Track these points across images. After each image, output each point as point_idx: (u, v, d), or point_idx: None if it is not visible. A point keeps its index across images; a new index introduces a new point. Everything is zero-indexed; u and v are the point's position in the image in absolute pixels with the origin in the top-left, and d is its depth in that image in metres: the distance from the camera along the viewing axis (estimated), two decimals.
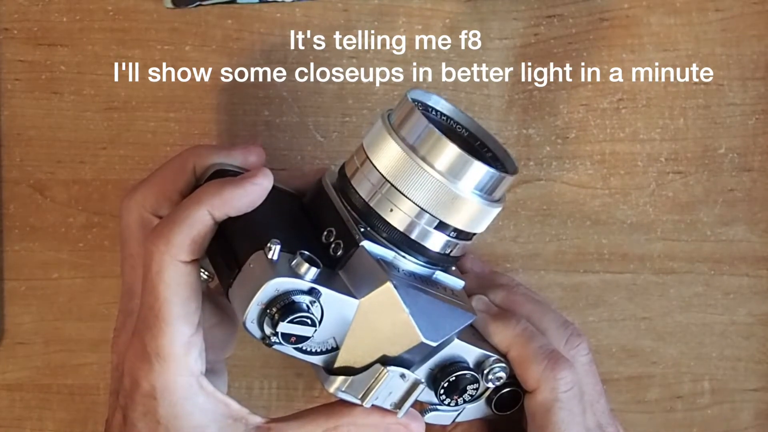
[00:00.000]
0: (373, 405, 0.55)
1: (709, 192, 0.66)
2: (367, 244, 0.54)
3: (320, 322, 0.53)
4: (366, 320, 0.53)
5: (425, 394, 0.56)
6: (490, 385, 0.57)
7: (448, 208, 0.54)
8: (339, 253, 0.55)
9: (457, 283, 0.57)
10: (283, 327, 0.52)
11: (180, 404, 0.54)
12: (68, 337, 0.66)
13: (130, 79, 0.64)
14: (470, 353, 0.57)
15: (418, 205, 0.54)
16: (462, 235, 0.55)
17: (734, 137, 0.66)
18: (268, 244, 0.52)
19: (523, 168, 0.66)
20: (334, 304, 0.53)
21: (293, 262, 0.52)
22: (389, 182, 0.54)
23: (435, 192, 0.54)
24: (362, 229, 0.55)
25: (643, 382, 0.67)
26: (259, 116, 0.65)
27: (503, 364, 0.57)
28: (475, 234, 0.56)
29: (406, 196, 0.54)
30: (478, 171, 0.54)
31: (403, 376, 0.54)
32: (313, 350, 0.54)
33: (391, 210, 0.54)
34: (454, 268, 0.57)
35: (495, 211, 0.55)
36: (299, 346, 0.53)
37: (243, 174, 0.56)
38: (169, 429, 0.54)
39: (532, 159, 0.66)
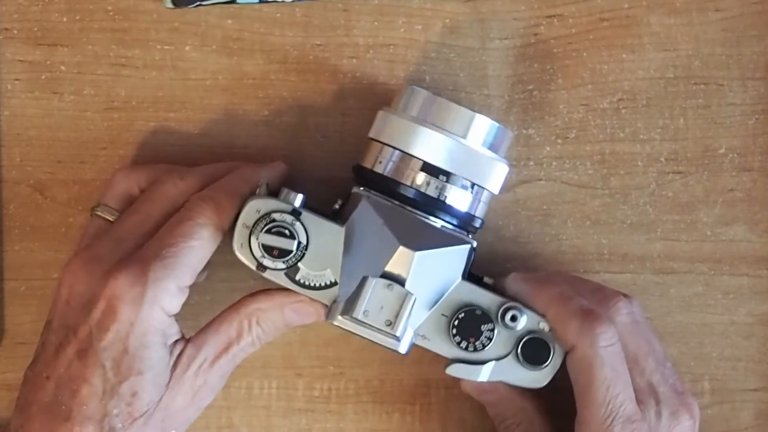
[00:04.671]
0: (277, 289, 0.58)
1: (709, 192, 0.66)
2: (358, 190, 0.58)
3: (308, 243, 0.56)
4: (353, 244, 0.56)
5: (446, 347, 0.57)
6: (508, 326, 0.57)
7: (459, 161, 0.58)
8: (337, 207, 0.59)
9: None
10: (263, 238, 0.56)
11: (150, 335, 0.56)
12: None
13: (130, 79, 0.64)
14: (481, 297, 0.58)
15: (421, 160, 0.58)
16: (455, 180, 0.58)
17: (734, 137, 0.66)
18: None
19: (523, 168, 0.66)
20: (318, 227, 0.57)
21: (279, 195, 0.57)
22: (399, 150, 0.58)
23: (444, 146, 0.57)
24: (362, 188, 0.58)
25: None
26: (259, 116, 0.65)
27: (517, 305, 0.58)
28: (483, 188, 0.59)
29: (416, 157, 0.57)
30: (483, 124, 0.58)
31: (389, 286, 0.56)
32: (312, 284, 0.57)
33: (406, 174, 0.58)
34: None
35: (501, 166, 0.59)
36: (296, 278, 0.57)
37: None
38: (134, 360, 0.55)
39: (532, 159, 0.66)
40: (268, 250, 0.56)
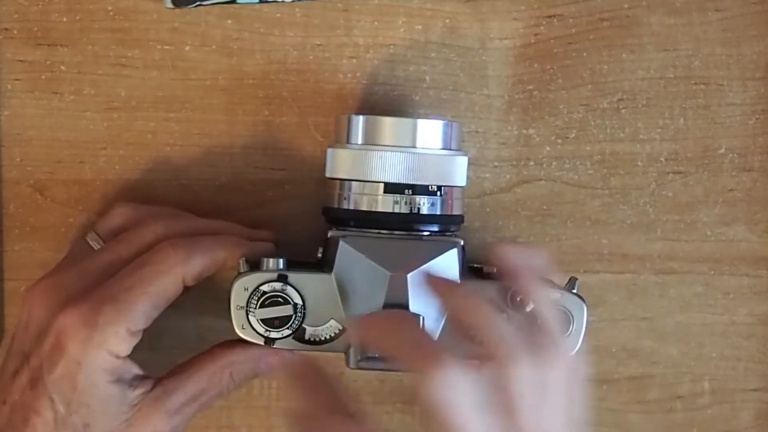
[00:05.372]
0: (250, 341, 0.57)
1: (709, 192, 0.66)
2: (334, 232, 0.58)
3: (304, 303, 0.57)
4: (347, 287, 0.57)
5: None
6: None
7: (419, 172, 0.57)
8: (320, 255, 0.59)
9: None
10: (260, 313, 0.56)
11: (98, 375, 0.55)
12: None
13: (130, 79, 0.64)
14: (486, 289, 0.57)
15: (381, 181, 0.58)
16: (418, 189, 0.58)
17: (734, 137, 0.66)
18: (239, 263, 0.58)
19: (523, 168, 0.66)
20: (308, 283, 0.57)
21: (261, 266, 0.57)
22: (357, 180, 0.58)
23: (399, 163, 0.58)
24: (336, 229, 0.58)
25: (643, 382, 0.67)
26: (259, 116, 0.65)
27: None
28: (450, 186, 0.59)
29: (375, 182, 0.57)
30: (428, 127, 0.58)
31: None
32: (322, 339, 0.57)
33: (362, 199, 0.58)
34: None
35: (459, 159, 0.59)
36: (305, 338, 0.57)
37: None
38: (83, 395, 0.55)
39: (532, 159, 0.66)
40: (268, 323, 0.57)
